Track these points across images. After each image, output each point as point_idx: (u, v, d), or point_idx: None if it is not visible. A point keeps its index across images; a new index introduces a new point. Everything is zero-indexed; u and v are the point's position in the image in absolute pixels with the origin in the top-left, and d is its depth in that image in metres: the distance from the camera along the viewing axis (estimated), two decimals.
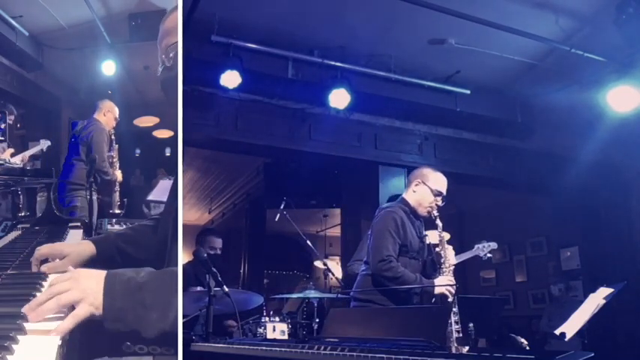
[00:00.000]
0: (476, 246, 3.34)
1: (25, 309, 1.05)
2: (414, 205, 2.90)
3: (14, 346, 0.94)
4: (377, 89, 5.08)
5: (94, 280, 1.06)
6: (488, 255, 3.32)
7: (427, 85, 5.18)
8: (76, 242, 1.70)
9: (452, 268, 2.81)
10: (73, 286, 1.06)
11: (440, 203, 2.89)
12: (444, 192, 2.91)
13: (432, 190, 2.87)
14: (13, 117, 4.49)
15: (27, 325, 1.02)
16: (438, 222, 2.86)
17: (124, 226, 3.44)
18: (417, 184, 2.91)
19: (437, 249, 2.86)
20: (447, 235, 2.94)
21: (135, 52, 5.07)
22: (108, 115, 4.41)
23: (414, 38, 4.67)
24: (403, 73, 5.03)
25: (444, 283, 2.70)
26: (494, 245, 3.33)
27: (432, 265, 2.92)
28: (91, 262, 1.51)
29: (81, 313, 1.03)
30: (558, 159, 5.61)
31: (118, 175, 4.38)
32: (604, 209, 5.85)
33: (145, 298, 1.02)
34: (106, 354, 1.67)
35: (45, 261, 1.47)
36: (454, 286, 2.71)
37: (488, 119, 5.59)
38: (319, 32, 4.62)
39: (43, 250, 1.46)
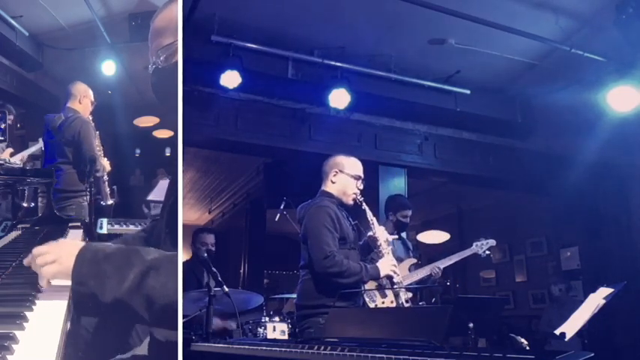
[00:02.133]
0: (474, 244, 3.35)
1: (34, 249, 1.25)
2: (338, 195, 2.84)
3: (14, 346, 0.94)
4: (377, 89, 5.08)
5: (71, 248, 1.22)
6: (487, 252, 3.32)
7: (427, 85, 5.18)
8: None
9: (389, 247, 2.80)
10: (51, 250, 1.25)
11: (361, 187, 2.86)
12: (362, 175, 2.88)
13: (351, 176, 2.85)
14: (12, 117, 4.40)
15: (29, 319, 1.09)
16: (365, 207, 2.83)
17: (124, 227, 3.44)
18: (335, 174, 2.86)
19: (369, 233, 2.84)
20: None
21: (135, 52, 5.06)
22: (84, 100, 3.82)
23: (414, 38, 4.67)
24: (403, 73, 5.03)
25: (388, 263, 2.71)
26: (492, 242, 3.33)
27: (366, 248, 2.90)
28: None
29: (50, 270, 1.22)
30: (558, 159, 5.60)
31: (106, 164, 3.88)
32: (604, 209, 5.84)
33: (107, 267, 1.16)
34: (115, 353, 1.68)
35: None
36: (396, 265, 2.74)
37: (488, 119, 5.59)
38: (319, 32, 4.62)
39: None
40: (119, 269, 1.15)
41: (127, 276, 1.14)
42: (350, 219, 2.87)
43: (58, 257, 1.21)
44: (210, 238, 4.24)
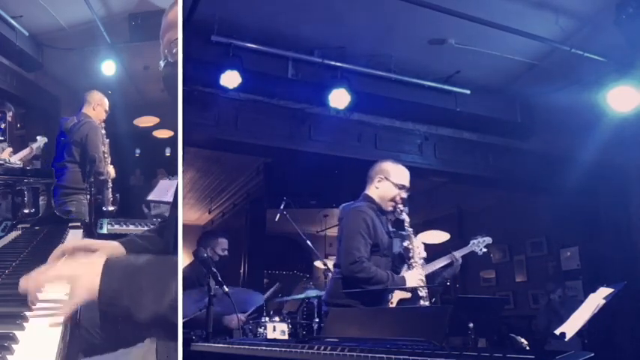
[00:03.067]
0: (471, 241, 3.34)
1: (23, 278, 1.10)
2: (379, 202, 2.86)
3: (14, 346, 0.94)
4: (377, 89, 5.08)
5: (94, 264, 1.07)
6: (484, 250, 3.31)
7: (427, 85, 5.18)
8: (106, 242, 1.63)
9: (422, 261, 2.80)
10: (74, 265, 1.12)
11: (404, 196, 2.86)
12: (407, 184, 2.88)
13: (395, 185, 2.84)
14: (11, 113, 4.40)
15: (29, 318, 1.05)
16: (405, 217, 2.83)
17: (124, 227, 3.44)
18: (379, 180, 2.87)
19: (405, 243, 2.84)
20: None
21: (135, 52, 5.07)
22: (98, 108, 4.11)
23: (414, 38, 4.68)
24: (403, 73, 5.03)
25: (415, 274, 2.72)
26: (488, 240, 3.32)
27: (399, 258, 2.89)
28: None
29: (76, 297, 1.05)
30: (558, 159, 5.60)
31: (111, 171, 4.12)
32: (604, 209, 5.84)
33: (142, 281, 1.03)
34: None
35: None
36: (424, 277, 2.74)
37: (488, 119, 5.60)
38: (319, 32, 4.62)
39: (71, 244, 1.36)
40: (157, 281, 1.03)
41: (169, 288, 1.01)
42: (388, 225, 2.89)
43: (81, 274, 1.06)
44: (224, 244, 4.17)
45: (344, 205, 2.95)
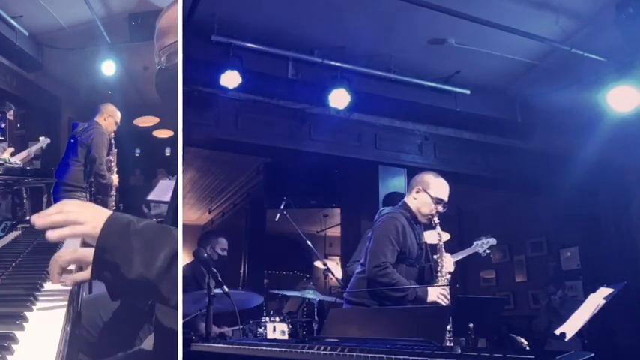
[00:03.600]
0: (475, 242, 3.30)
1: (34, 216, 1.15)
2: (414, 212, 2.90)
3: (14, 346, 0.94)
4: (377, 89, 5.08)
5: (101, 213, 1.15)
6: (487, 251, 3.28)
7: (427, 85, 5.18)
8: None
9: (448, 276, 2.79)
10: (82, 210, 1.16)
11: (441, 210, 2.88)
12: (446, 199, 2.89)
13: (432, 198, 2.86)
14: (12, 112, 4.46)
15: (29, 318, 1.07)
16: (438, 229, 2.84)
17: None
18: (417, 191, 2.90)
19: (435, 256, 2.84)
20: (445, 235, 2.93)
21: (135, 52, 5.07)
22: (109, 119, 4.41)
23: (414, 38, 4.67)
24: (403, 73, 5.03)
25: (437, 290, 2.71)
26: (493, 241, 3.29)
27: (429, 272, 2.89)
28: None
29: (81, 229, 1.13)
30: (558, 159, 5.60)
31: (115, 179, 4.37)
32: (604, 209, 5.84)
33: (135, 242, 1.09)
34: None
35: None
36: (448, 293, 2.71)
37: (488, 119, 5.59)
38: (319, 32, 4.62)
39: (66, 257, 1.31)
40: (149, 247, 1.09)
41: (157, 256, 1.07)
42: (420, 236, 2.91)
43: (89, 219, 1.13)
44: (224, 243, 4.19)
45: (382, 208, 3.01)
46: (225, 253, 4.13)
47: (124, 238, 1.10)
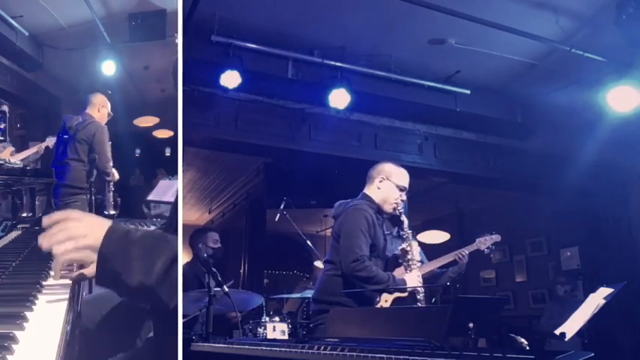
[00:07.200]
0: (477, 240, 3.26)
1: (40, 238, 1.20)
2: (379, 202, 2.84)
3: (14, 346, 0.94)
4: (377, 89, 5.08)
5: (101, 224, 1.20)
6: (492, 247, 3.23)
7: (427, 85, 5.18)
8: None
9: (419, 264, 2.80)
10: (83, 223, 1.21)
11: (404, 198, 2.86)
12: (407, 186, 2.88)
13: (397, 186, 2.84)
14: (5, 107, 4.32)
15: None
16: (404, 218, 2.83)
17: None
18: (380, 181, 2.86)
19: (403, 245, 2.84)
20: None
21: (135, 52, 5.07)
22: (102, 110, 4.19)
23: (414, 38, 4.67)
24: (403, 73, 5.03)
25: (414, 275, 2.72)
26: (497, 238, 3.23)
27: (393, 261, 2.89)
28: None
29: (84, 242, 1.17)
30: (558, 159, 5.60)
31: (115, 174, 4.17)
32: (604, 209, 5.84)
33: (134, 250, 1.14)
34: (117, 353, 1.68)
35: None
36: (421, 277, 2.74)
37: (488, 119, 5.60)
38: (319, 32, 4.62)
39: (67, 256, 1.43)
40: (148, 254, 1.14)
41: (155, 263, 1.13)
42: (384, 228, 2.88)
43: (90, 232, 1.18)
44: (214, 236, 4.18)
45: (340, 202, 2.92)
46: (217, 245, 4.09)
47: (123, 246, 1.15)
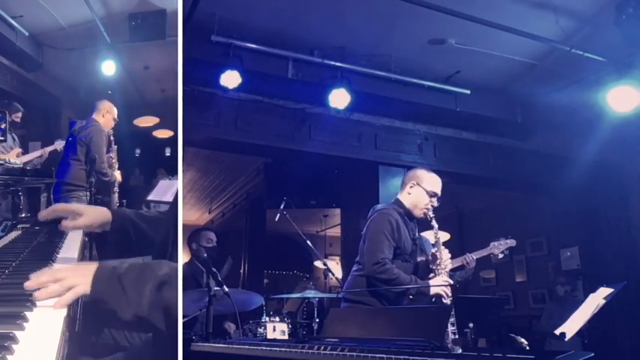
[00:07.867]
0: (492, 244, 3.26)
1: (34, 289, 1.22)
2: (409, 207, 2.89)
3: (14, 346, 0.94)
4: (377, 89, 5.08)
5: (88, 269, 1.26)
6: (506, 252, 3.23)
7: (427, 85, 5.18)
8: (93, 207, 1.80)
9: (447, 269, 2.79)
10: (73, 274, 1.25)
11: (435, 204, 2.88)
12: (439, 193, 2.90)
13: (427, 192, 2.87)
14: (20, 114, 4.43)
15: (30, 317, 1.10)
16: (434, 223, 2.84)
17: None
18: (411, 186, 2.90)
19: (432, 250, 2.85)
20: (444, 235, 2.93)
21: (135, 52, 5.07)
22: (107, 116, 4.37)
23: (414, 38, 4.67)
24: (403, 73, 5.03)
25: (439, 284, 2.70)
26: (512, 242, 3.23)
27: (424, 267, 2.90)
28: (105, 230, 1.69)
29: (78, 290, 1.22)
30: (558, 159, 5.60)
31: (118, 176, 4.34)
32: (604, 209, 5.84)
33: (123, 286, 1.21)
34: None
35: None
36: (449, 287, 2.70)
37: (488, 119, 5.59)
38: (319, 32, 4.62)
39: (60, 207, 1.57)
40: (135, 285, 1.21)
41: (143, 292, 1.19)
42: (414, 232, 2.91)
43: (81, 280, 1.22)
44: (213, 235, 4.18)
45: (375, 206, 3.00)
46: (211, 244, 4.09)
47: (111, 283, 1.22)
